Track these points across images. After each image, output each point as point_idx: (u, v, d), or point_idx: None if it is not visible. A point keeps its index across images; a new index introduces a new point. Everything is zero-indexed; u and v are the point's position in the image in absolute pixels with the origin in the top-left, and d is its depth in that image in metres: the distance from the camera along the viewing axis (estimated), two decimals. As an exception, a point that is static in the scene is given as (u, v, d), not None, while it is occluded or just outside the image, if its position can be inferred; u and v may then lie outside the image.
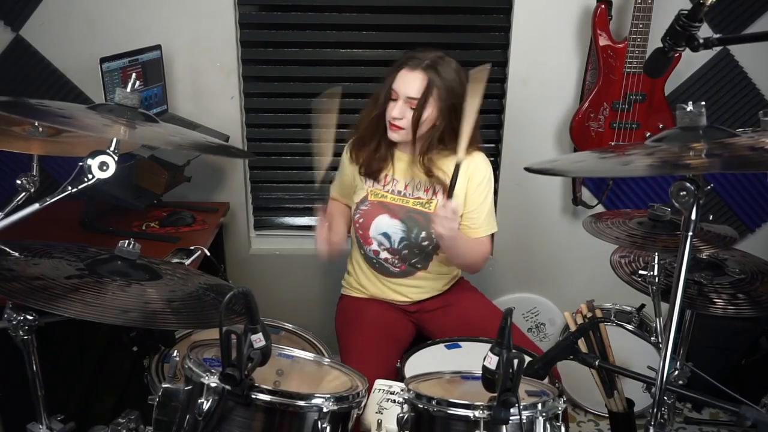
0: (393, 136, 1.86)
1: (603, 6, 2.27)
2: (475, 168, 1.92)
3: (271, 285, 2.71)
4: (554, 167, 1.44)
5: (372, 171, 1.95)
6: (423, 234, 1.93)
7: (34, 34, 2.37)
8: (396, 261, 1.98)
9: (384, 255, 1.98)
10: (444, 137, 1.85)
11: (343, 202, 2.08)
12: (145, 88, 2.23)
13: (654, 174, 2.30)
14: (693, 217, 1.09)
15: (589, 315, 1.81)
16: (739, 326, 2.44)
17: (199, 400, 1.12)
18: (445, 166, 1.89)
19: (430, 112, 1.82)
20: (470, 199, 1.92)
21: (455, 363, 1.58)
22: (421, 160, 1.89)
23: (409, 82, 1.80)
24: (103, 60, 2.05)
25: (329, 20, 2.45)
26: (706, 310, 1.60)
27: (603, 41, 2.27)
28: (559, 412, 1.22)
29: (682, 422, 2.49)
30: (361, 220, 1.96)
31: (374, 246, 1.97)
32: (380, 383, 1.46)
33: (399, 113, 1.81)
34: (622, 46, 2.26)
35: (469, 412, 1.15)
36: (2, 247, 1.22)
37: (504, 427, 1.13)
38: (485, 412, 1.14)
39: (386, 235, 1.94)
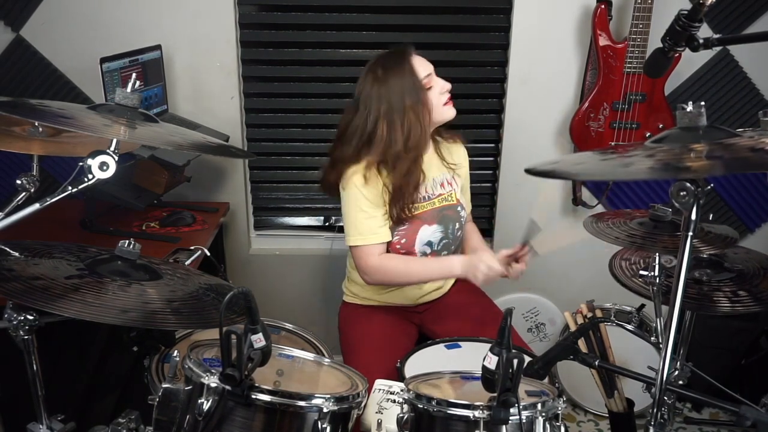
0: (452, 111, 1.89)
1: (603, 6, 2.27)
2: (465, 156, 2.07)
3: (271, 285, 2.71)
4: (555, 169, 1.44)
5: (408, 204, 1.84)
6: (457, 225, 1.96)
7: (34, 34, 2.36)
8: None
9: None
10: None
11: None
12: (145, 88, 2.23)
13: (657, 177, 2.30)
14: (693, 217, 1.09)
15: (589, 315, 1.82)
16: (739, 326, 2.44)
17: (199, 400, 1.12)
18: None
19: None
20: (465, 183, 2.08)
21: (455, 363, 1.58)
22: (441, 143, 1.98)
23: (423, 62, 1.87)
24: (103, 60, 2.05)
25: (329, 20, 2.44)
26: (708, 311, 1.59)
27: (603, 41, 2.27)
28: (559, 412, 1.22)
29: (682, 422, 2.49)
30: (403, 241, 1.89)
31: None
32: (380, 383, 1.45)
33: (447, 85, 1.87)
34: (622, 46, 2.25)
35: (468, 412, 1.15)
36: (2, 247, 1.22)
37: (504, 427, 1.13)
38: (485, 412, 1.14)
39: (429, 243, 1.92)
